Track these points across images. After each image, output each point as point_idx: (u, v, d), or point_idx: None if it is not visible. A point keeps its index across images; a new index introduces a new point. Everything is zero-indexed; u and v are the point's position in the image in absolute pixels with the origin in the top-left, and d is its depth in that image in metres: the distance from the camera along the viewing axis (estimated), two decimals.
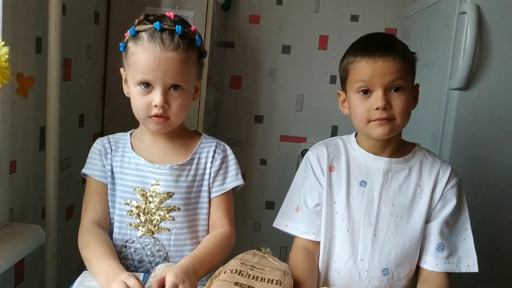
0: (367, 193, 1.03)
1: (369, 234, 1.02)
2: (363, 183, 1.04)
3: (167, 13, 0.98)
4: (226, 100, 2.27)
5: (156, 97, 0.93)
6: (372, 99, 0.98)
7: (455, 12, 1.53)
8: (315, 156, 1.09)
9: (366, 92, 0.99)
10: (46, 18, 1.23)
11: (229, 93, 2.27)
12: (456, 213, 1.04)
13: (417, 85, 1.06)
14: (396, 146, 1.06)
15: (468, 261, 1.02)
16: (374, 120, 0.98)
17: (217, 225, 1.04)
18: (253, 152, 2.31)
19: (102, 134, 1.74)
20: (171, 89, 0.95)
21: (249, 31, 2.23)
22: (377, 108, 0.97)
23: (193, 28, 0.99)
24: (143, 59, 0.92)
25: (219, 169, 1.05)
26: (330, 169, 1.07)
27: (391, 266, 1.02)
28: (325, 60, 2.23)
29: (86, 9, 1.58)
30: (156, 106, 0.94)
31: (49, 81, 1.25)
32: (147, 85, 0.94)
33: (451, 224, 1.04)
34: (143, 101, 0.95)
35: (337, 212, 1.04)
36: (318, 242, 1.05)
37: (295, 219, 1.09)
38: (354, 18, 2.21)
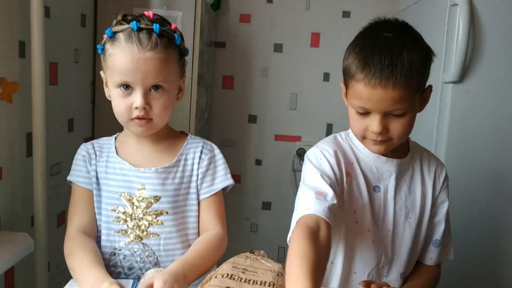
0: (382, 198, 0.98)
1: (389, 241, 0.98)
2: (377, 188, 0.98)
3: (145, 12, 0.95)
4: (218, 101, 2.25)
5: (136, 98, 0.91)
6: (369, 119, 0.90)
7: (446, 5, 1.51)
8: (334, 159, 0.96)
9: (364, 113, 0.91)
10: (29, 22, 1.21)
11: (222, 93, 2.25)
12: (447, 208, 1.04)
13: (429, 86, 0.95)
14: (400, 146, 0.98)
15: (448, 250, 1.04)
16: (370, 139, 0.92)
17: (208, 227, 1.01)
18: (247, 152, 2.28)
19: (92, 138, 1.71)
20: (152, 90, 0.92)
21: (240, 30, 2.21)
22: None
23: (173, 26, 0.96)
24: (121, 61, 0.89)
25: (207, 170, 1.02)
26: (347, 175, 0.97)
27: (406, 268, 1.01)
28: (317, 57, 2.21)
29: (72, 12, 1.56)
30: (137, 108, 0.91)
31: (34, 85, 1.23)
32: (126, 87, 0.91)
33: (445, 221, 1.03)
34: (123, 104, 0.92)
35: (356, 222, 0.97)
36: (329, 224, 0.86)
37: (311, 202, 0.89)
38: (346, 14, 2.19)
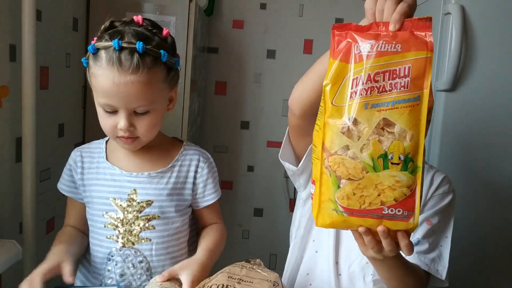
0: None
1: None
2: None
3: (135, 17, 0.90)
4: (211, 106, 2.24)
5: (120, 120, 0.87)
6: None
7: (439, 13, 1.52)
8: None
9: None
10: (20, 25, 1.19)
11: (214, 99, 2.24)
12: (439, 215, 1.01)
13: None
14: None
15: (439, 266, 0.97)
16: None
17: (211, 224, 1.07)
18: (239, 158, 2.27)
19: (83, 144, 1.69)
20: (137, 111, 0.88)
21: (233, 36, 2.20)
22: None
23: (165, 32, 0.91)
24: (103, 83, 0.84)
25: (207, 178, 1.03)
26: None
27: None
28: (310, 64, 2.18)
29: (64, 16, 1.54)
30: (121, 129, 0.88)
31: (24, 90, 1.21)
32: (110, 107, 0.87)
33: (432, 224, 1.00)
34: (108, 123, 0.89)
35: None
36: None
37: None
38: (339, 21, 2.20)
